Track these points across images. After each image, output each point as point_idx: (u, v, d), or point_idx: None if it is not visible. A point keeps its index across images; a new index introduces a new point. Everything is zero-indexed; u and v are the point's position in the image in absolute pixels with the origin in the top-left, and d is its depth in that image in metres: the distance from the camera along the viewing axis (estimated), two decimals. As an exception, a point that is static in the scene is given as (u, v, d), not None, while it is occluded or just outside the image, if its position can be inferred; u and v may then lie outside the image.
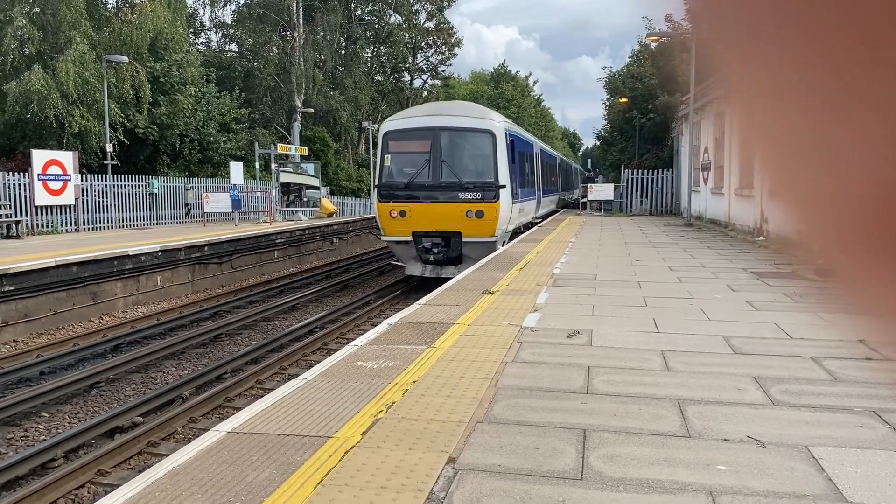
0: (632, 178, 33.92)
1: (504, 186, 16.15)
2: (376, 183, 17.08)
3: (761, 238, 18.41)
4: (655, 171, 34.08)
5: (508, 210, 16.65)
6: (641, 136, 40.00)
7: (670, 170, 34.26)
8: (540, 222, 25.06)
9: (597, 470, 3.72)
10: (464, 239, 16.09)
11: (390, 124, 17.29)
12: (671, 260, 13.70)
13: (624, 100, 40.35)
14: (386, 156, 16.72)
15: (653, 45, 37.71)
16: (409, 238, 16.40)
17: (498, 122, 16.98)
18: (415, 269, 16.84)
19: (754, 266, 12.81)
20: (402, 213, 16.31)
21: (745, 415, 4.60)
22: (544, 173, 27.65)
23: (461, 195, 15.95)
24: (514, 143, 17.85)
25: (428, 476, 3.60)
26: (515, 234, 19.75)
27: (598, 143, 58.47)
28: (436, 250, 16.22)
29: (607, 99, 45.56)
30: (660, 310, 8.37)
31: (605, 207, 33.82)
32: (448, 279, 11.11)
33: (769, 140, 0.40)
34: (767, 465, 3.78)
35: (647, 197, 33.80)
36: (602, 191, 34.18)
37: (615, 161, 43.39)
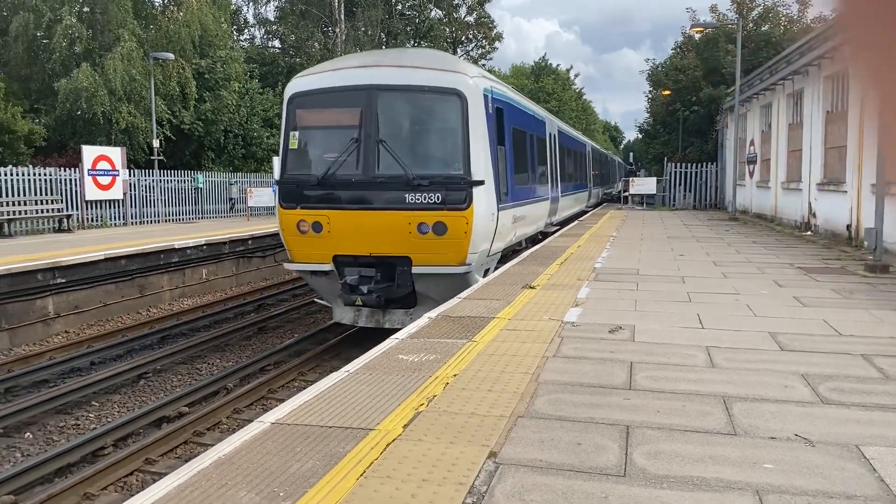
0: (675, 172, 33.41)
1: (481, 183, 10.20)
2: (277, 177, 11.35)
3: (809, 233, 18.00)
4: (699, 165, 33.53)
5: (490, 220, 10.63)
6: (685, 129, 39.36)
7: (714, 163, 33.66)
8: (557, 230, 18.98)
9: (640, 466, 3.68)
10: (415, 269, 10.21)
11: (300, 81, 11.03)
12: (715, 255, 13.47)
13: (667, 92, 39.72)
14: (292, 133, 10.77)
15: (697, 36, 37.06)
16: (330, 266, 10.53)
17: (471, 78, 10.52)
18: (344, 313, 10.95)
19: (802, 261, 12.52)
20: (317, 227, 10.42)
21: (793, 412, 4.50)
22: (566, 164, 21.38)
23: (410, 197, 10.02)
24: (502, 113, 11.73)
25: (469, 470, 3.60)
26: (514, 252, 13.93)
27: (640, 136, 57.72)
28: (365, 288, 10.16)
29: (650, 91, 44.85)
30: (704, 305, 8.24)
31: (647, 201, 33.43)
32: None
33: None
34: (816, 464, 3.70)
35: (690, 191, 33.27)
36: (644, 184, 33.79)
37: (658, 154, 42.77)
